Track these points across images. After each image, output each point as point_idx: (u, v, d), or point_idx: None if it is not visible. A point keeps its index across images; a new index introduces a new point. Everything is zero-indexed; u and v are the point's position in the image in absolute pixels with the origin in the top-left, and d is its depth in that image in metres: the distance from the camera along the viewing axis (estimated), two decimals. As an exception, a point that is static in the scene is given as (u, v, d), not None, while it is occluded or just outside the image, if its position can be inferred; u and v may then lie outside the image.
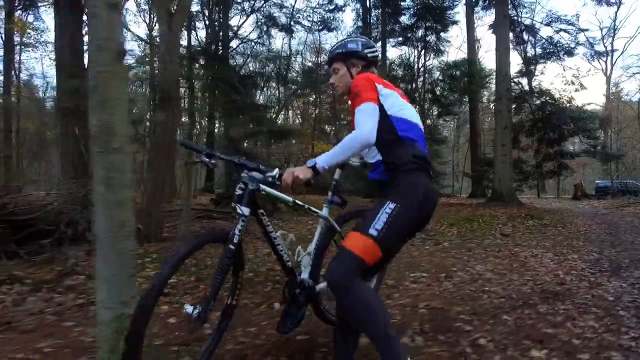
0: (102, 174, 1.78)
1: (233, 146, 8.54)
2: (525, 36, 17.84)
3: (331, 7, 18.56)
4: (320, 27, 18.22)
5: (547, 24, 16.94)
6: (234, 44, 11.17)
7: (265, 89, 16.89)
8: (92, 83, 1.76)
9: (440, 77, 20.84)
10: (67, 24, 10.28)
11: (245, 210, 1.98)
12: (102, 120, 1.77)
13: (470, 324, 2.98)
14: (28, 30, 23.95)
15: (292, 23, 14.40)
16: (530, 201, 18.67)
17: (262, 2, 11.95)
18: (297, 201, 2.38)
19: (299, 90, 18.32)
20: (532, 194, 26.52)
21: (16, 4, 20.90)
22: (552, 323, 3.06)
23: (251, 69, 10.84)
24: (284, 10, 12.62)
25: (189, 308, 1.87)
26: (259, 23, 12.14)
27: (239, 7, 13.59)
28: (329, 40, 19.07)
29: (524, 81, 19.41)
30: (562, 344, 2.64)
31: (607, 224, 11.07)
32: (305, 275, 2.34)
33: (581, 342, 2.70)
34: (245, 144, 10.31)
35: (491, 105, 27.57)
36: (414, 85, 21.02)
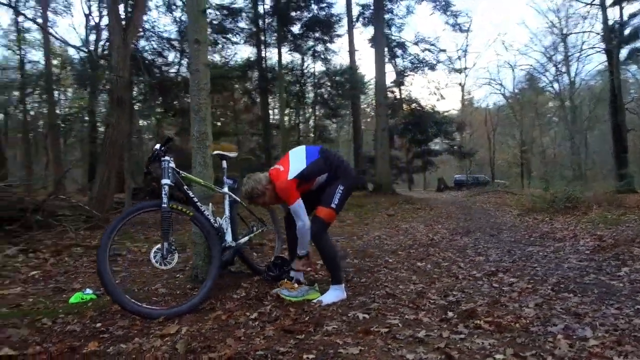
0: (200, 159, 3.16)
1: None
2: (397, 51, 20.92)
3: (228, 12, 19.52)
4: (217, 30, 19.06)
5: (415, 43, 20.23)
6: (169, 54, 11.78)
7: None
8: (196, 108, 3.13)
9: (327, 83, 23.07)
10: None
11: (167, 181, 2.77)
12: (200, 130, 3.15)
13: (380, 255, 4.80)
14: None
15: (219, 38, 15.33)
16: (404, 192, 21.91)
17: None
18: (207, 183, 3.21)
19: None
20: (404, 187, 30.41)
21: None
22: (426, 254, 5.02)
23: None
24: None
25: (155, 252, 2.68)
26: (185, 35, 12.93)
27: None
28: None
29: (398, 89, 22.59)
30: (433, 261, 4.56)
31: (462, 208, 14.00)
32: (228, 237, 3.23)
33: (444, 260, 4.65)
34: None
35: (369, 109, 30.77)
36: (302, 89, 23.01)
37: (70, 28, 30.87)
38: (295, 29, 21.04)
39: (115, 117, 6.84)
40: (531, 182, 33.36)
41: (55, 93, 20.41)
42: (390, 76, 21.52)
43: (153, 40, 11.49)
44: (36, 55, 22.44)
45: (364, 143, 28.31)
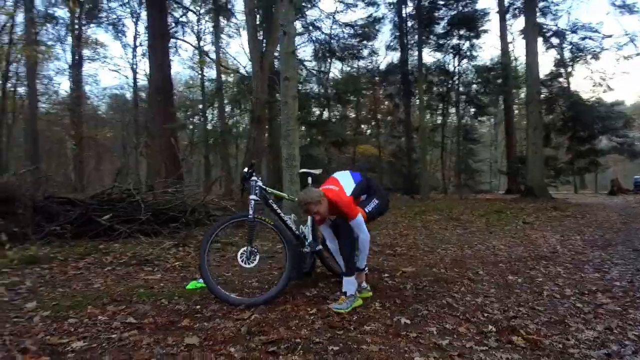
0: (288, 177, 3.79)
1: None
2: (555, 41, 19.07)
3: (371, 20, 20.26)
4: (360, 39, 19.88)
5: (573, 31, 18.17)
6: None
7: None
8: (285, 134, 3.77)
9: (474, 80, 22.21)
10: (158, 53, 12.69)
11: (254, 197, 3.46)
12: (289, 153, 3.77)
13: (476, 266, 4.84)
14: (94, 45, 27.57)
15: (345, 54, 16.49)
16: (566, 197, 19.75)
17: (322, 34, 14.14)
18: (291, 196, 4.04)
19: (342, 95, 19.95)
20: (568, 189, 27.23)
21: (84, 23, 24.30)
22: (530, 268, 4.87)
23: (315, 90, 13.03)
24: (339, 42, 14.70)
25: (241, 254, 3.39)
26: (319, 53, 14.26)
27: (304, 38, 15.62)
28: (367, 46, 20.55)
29: (558, 82, 20.53)
30: (529, 276, 4.45)
31: (627, 216, 12.23)
32: (309, 241, 3.83)
33: (543, 276, 4.50)
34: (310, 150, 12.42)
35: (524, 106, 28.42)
36: (448, 89, 22.54)
37: (240, 48, 35.60)
38: (438, 28, 20.80)
39: (255, 132, 8.02)
40: None
41: (228, 107, 23.82)
42: (545, 69, 19.74)
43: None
44: (214, 73, 26.46)
45: (519, 142, 26.40)
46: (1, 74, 23.47)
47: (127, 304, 3.19)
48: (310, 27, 13.92)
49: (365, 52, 19.24)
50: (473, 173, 22.08)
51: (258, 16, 12.83)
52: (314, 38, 14.08)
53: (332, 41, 15.28)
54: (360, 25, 17.05)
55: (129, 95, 31.18)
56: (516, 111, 29.36)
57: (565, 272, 4.74)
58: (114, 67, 45.56)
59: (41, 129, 24.15)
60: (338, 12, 16.47)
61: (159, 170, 12.22)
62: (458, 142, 21.89)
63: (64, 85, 50.92)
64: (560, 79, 19.88)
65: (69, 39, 24.83)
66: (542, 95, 18.11)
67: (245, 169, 3.51)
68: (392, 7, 21.10)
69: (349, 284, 3.26)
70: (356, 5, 17.02)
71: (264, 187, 3.56)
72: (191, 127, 30.86)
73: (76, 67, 25.87)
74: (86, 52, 26.88)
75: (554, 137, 19.80)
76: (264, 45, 9.18)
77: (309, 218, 3.87)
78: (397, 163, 22.47)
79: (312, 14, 15.40)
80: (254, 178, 3.48)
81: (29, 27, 20.80)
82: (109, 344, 2.43)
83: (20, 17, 21.35)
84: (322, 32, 14.35)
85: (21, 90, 25.02)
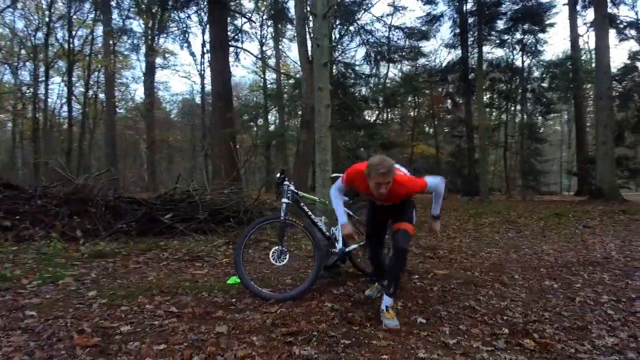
0: (320, 181, 4.03)
1: (350, 154, 10.93)
2: (631, 32, 17.76)
3: (429, 19, 20.04)
4: (419, 37, 19.65)
5: (647, 21, 16.83)
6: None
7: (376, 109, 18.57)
8: (318, 140, 4.02)
9: (540, 76, 21.20)
10: (219, 61, 13.40)
11: (286, 200, 3.72)
12: (321, 158, 4.02)
13: (514, 270, 4.81)
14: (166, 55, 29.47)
15: (396, 57, 16.52)
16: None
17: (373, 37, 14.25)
18: (322, 200, 4.16)
19: (400, 97, 19.86)
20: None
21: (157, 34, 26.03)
22: (573, 274, 4.76)
23: (364, 92, 13.28)
24: (391, 45, 14.84)
25: (273, 252, 3.63)
26: (369, 56, 14.43)
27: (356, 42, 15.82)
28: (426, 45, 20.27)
29: (636, 76, 19.10)
30: (568, 282, 4.37)
31: None
32: (339, 244, 3.94)
33: (583, 282, 4.40)
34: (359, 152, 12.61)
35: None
36: (514, 86, 21.63)
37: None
38: (500, 24, 20.10)
39: (304, 136, 8.34)
40: None
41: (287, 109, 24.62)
42: (619, 62, 18.44)
43: (341, 66, 13.04)
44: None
45: (591, 141, 24.78)
46: (83, 82, 25.80)
47: (173, 295, 3.58)
48: (361, 31, 14.07)
49: (421, 53, 18.94)
50: (538, 174, 21.02)
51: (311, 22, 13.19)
52: (365, 42, 14.21)
53: (384, 44, 15.29)
54: (410, 27, 16.89)
55: (197, 99, 32.90)
56: (589, 108, 27.54)
57: (610, 278, 4.59)
58: (184, 74, 48.31)
59: (118, 133, 26.22)
60: (390, 14, 16.45)
61: (219, 172, 12.92)
62: (521, 142, 20.97)
63: (139, 92, 54.62)
64: (636, 73, 18.42)
65: (143, 49, 26.68)
66: (614, 91, 16.95)
67: (278, 175, 3.81)
68: (451, 4, 20.66)
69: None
70: (405, 8, 16.87)
71: (296, 191, 3.83)
72: (255, 129, 32.02)
73: (149, 74, 27.76)
74: (158, 61, 28.71)
75: (627, 136, 18.46)
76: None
77: None
78: (457, 163, 21.93)
79: (364, 18, 15.53)
80: (286, 183, 3.77)
81: (107, 39, 22.65)
82: (151, 329, 2.80)
83: (99, 31, 23.34)
84: (373, 36, 14.44)
85: (101, 97, 27.30)
